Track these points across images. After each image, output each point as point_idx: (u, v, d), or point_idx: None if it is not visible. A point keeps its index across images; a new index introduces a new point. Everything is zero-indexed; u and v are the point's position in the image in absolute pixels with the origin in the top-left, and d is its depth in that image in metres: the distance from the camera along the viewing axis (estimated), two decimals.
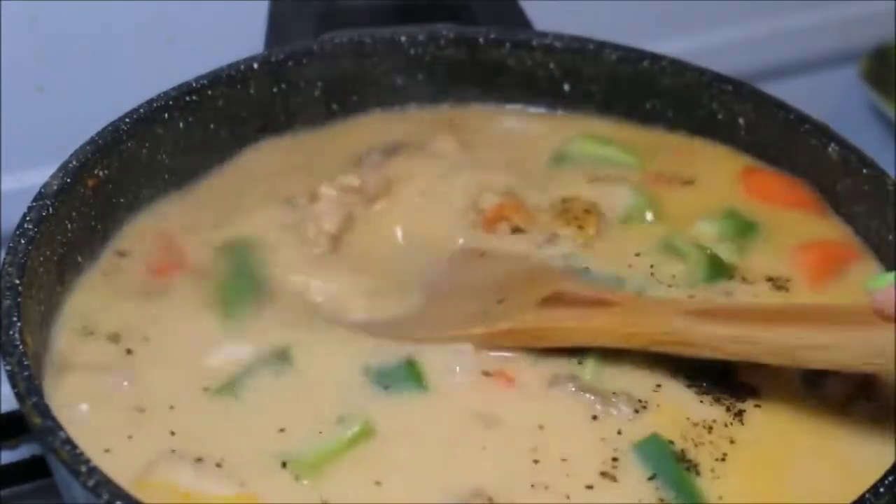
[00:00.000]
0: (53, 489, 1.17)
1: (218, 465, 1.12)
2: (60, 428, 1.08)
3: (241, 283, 1.28)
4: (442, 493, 1.11)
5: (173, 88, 1.38)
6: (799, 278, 1.32)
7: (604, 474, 1.14)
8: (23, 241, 1.21)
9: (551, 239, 1.34)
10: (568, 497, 1.12)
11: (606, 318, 1.21)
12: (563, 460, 1.15)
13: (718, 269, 1.32)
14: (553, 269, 1.31)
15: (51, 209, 1.24)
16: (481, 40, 1.49)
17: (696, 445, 1.16)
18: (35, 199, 1.25)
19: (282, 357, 1.21)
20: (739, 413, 1.19)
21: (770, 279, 1.32)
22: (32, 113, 1.64)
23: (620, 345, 1.20)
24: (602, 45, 1.48)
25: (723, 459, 1.15)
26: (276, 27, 1.49)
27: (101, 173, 1.31)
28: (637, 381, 1.21)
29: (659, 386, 1.20)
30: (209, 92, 1.40)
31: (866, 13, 1.96)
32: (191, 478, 1.10)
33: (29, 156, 1.56)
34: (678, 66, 1.47)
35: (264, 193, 1.38)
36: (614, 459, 1.15)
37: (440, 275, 1.32)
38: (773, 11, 1.93)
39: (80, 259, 1.29)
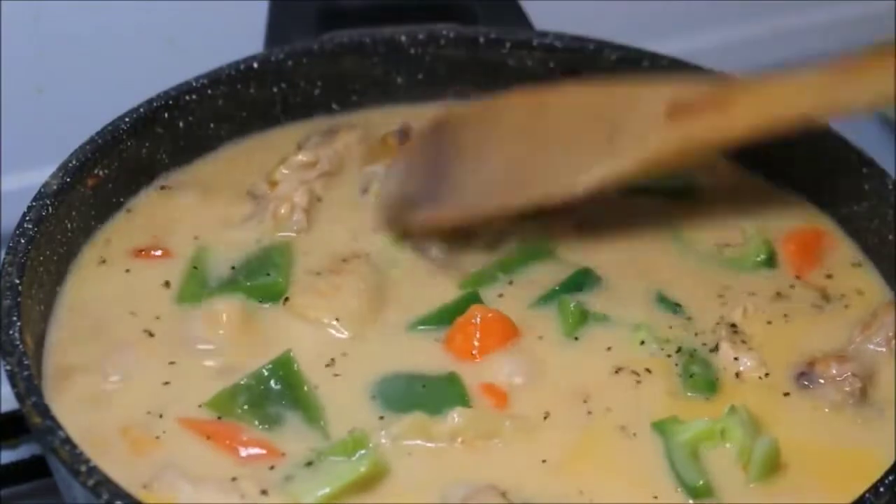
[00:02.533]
0: (53, 489, 1.17)
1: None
2: (60, 428, 1.08)
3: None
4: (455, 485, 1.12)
5: (173, 88, 1.38)
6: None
7: None
8: (23, 241, 1.21)
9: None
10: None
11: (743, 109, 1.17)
12: None
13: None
14: (652, 81, 1.26)
15: (50, 209, 1.24)
16: (481, 40, 1.49)
17: None
18: (35, 199, 1.25)
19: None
20: None
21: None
22: (32, 113, 1.64)
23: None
24: (602, 45, 1.48)
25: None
26: (276, 27, 1.49)
27: (100, 173, 1.31)
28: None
29: None
30: (209, 92, 1.40)
31: (866, 13, 1.96)
32: (190, 492, 1.10)
33: (29, 156, 1.56)
34: (678, 66, 1.47)
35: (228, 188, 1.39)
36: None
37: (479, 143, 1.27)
38: (773, 11, 1.93)
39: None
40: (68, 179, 1.27)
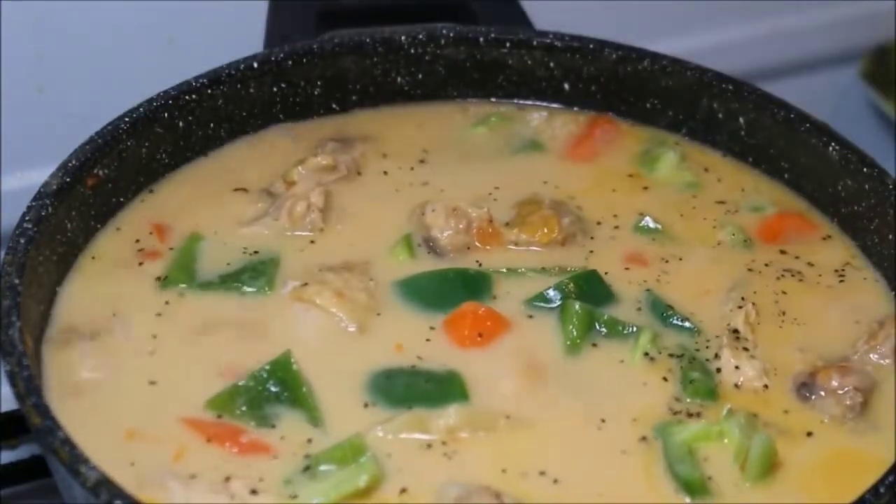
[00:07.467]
0: (53, 489, 1.17)
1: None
2: (60, 428, 1.08)
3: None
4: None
5: (173, 88, 1.38)
6: None
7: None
8: (22, 241, 1.21)
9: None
10: None
11: None
12: None
13: None
14: None
15: (50, 209, 1.24)
16: (481, 40, 1.49)
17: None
18: (34, 199, 1.25)
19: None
20: None
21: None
22: (32, 113, 1.64)
23: None
24: (602, 45, 1.48)
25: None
26: (276, 27, 1.49)
27: (100, 172, 1.31)
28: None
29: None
30: (209, 91, 1.40)
31: (866, 13, 1.97)
32: (181, 494, 1.10)
33: (29, 156, 1.56)
34: (678, 66, 1.47)
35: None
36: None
37: None
38: (773, 11, 1.93)
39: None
40: (68, 179, 1.27)
